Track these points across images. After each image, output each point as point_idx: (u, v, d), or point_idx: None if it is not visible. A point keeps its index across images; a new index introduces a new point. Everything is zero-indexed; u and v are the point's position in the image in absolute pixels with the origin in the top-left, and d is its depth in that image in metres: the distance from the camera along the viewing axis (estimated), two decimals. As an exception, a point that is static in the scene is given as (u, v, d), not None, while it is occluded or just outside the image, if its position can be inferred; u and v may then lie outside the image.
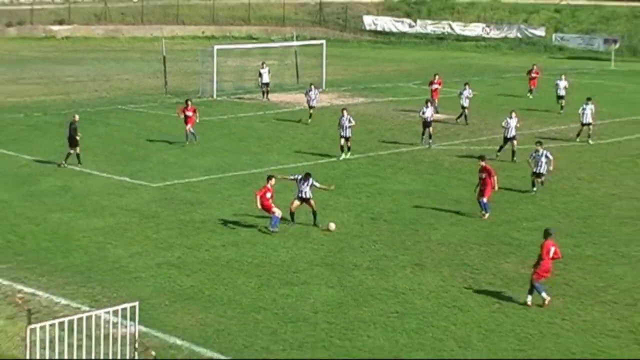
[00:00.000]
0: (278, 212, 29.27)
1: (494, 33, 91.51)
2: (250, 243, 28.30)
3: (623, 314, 23.30)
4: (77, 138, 37.45)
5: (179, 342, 20.78)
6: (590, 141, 44.01)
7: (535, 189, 34.65)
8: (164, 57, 57.72)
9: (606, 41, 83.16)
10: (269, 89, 55.83)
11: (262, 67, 55.70)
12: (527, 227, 30.40)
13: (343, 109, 41.04)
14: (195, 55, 64.53)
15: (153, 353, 17.26)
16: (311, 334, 21.60)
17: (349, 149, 40.32)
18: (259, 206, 29.16)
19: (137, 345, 17.10)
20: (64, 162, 37.42)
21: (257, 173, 37.06)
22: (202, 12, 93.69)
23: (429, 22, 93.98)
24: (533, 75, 59.23)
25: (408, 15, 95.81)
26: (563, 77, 54.39)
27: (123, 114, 49.58)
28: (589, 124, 44.34)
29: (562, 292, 24.61)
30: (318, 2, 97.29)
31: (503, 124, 40.69)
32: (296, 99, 55.37)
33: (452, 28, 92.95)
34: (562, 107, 52.89)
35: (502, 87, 63.08)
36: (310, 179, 30.00)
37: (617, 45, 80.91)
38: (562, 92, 53.53)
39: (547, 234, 24.06)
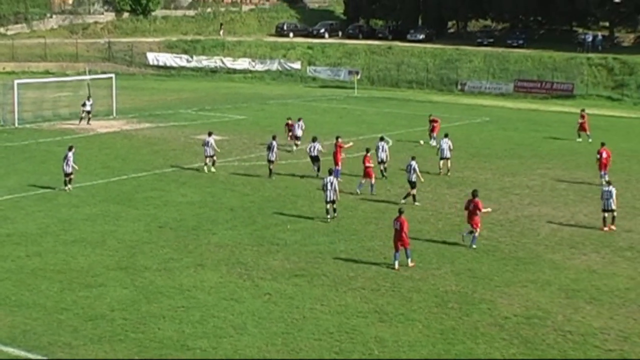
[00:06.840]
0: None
1: (259, 66, 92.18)
2: (53, 252, 27.35)
3: (369, 297, 23.99)
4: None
5: (-11, 343, 19.91)
6: (449, 173, 40.29)
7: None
8: (-32, 90, 55.06)
9: (350, 72, 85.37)
10: (90, 116, 54.26)
11: (88, 100, 54.56)
12: (291, 229, 30.82)
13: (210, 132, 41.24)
14: (-3, 88, 61.69)
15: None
16: (109, 329, 21.11)
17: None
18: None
19: (-51, 349, 16.22)
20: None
21: (57, 191, 35.87)
22: (2, 51, 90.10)
23: (204, 57, 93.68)
24: (580, 120, 51.51)
25: (186, 52, 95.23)
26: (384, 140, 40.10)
27: None
28: (447, 158, 40.18)
29: (320, 282, 25.07)
30: (107, 41, 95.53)
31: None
32: (91, 126, 53.85)
33: (223, 62, 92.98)
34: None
35: (267, 111, 63.62)
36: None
37: (359, 76, 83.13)
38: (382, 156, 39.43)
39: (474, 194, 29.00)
